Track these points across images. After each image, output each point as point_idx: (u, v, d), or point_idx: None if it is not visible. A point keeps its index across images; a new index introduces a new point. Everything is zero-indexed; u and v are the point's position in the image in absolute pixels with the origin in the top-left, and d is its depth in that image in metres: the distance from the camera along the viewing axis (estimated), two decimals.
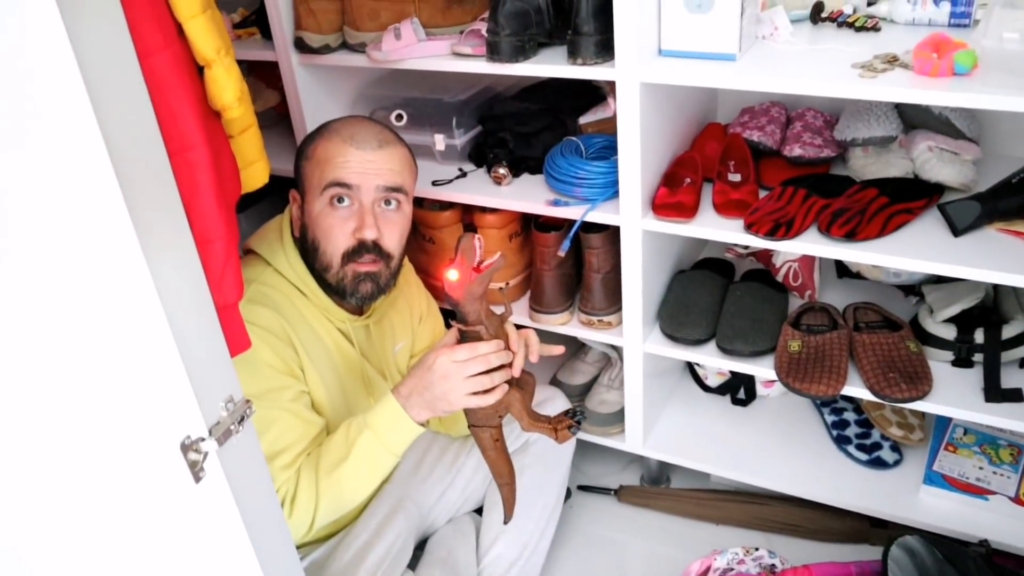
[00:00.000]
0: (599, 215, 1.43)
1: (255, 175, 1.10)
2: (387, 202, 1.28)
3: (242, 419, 0.95)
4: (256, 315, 1.21)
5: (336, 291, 1.30)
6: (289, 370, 1.24)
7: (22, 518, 0.91)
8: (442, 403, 1.19)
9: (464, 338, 1.20)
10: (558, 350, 1.29)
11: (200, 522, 0.95)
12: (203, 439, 0.89)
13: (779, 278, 1.61)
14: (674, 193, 1.38)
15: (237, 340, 0.99)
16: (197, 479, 0.90)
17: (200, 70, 0.92)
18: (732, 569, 1.38)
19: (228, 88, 0.91)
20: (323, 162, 1.26)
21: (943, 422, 1.61)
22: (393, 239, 1.30)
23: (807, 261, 1.56)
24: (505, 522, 1.37)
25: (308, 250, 1.29)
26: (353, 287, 1.28)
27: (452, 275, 1.11)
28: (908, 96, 1.13)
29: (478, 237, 1.13)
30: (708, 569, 1.38)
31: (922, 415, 1.63)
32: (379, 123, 1.31)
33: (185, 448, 0.88)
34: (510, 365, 1.21)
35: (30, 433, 0.86)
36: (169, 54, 0.84)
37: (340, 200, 1.25)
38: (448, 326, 1.58)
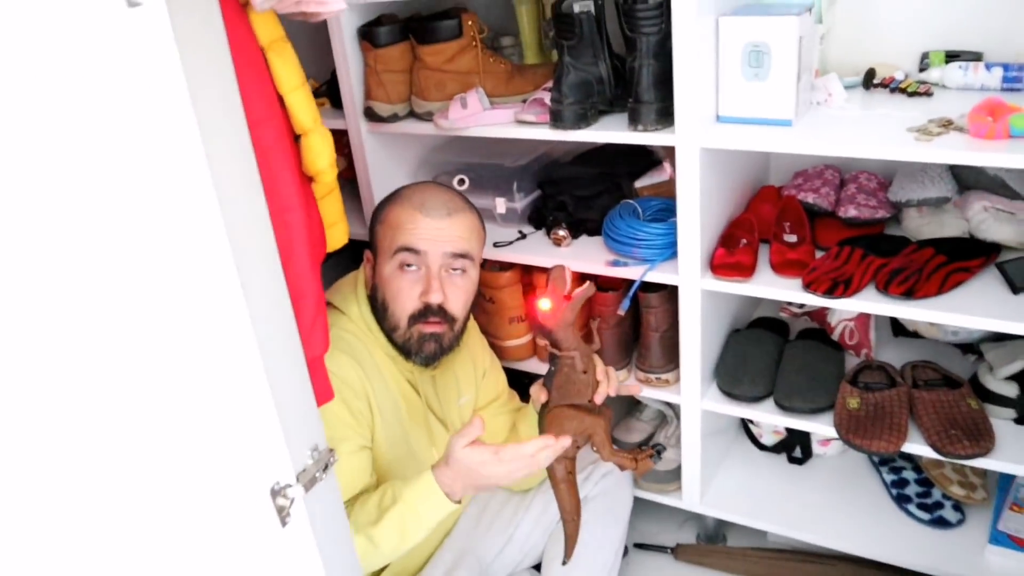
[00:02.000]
0: (658, 275, 1.47)
1: (337, 236, 1.17)
2: (454, 268, 1.34)
3: (326, 467, 0.99)
4: (336, 363, 1.26)
5: (402, 350, 1.35)
6: (358, 425, 1.29)
7: (120, 550, 0.95)
8: (490, 485, 1.24)
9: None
10: (636, 389, 1.41)
11: (285, 566, 0.99)
12: (290, 485, 0.93)
13: (835, 337, 1.63)
14: (732, 253, 1.42)
15: (322, 391, 1.04)
16: (284, 523, 0.93)
17: (296, 140, 1.00)
18: None
19: (323, 154, 0.98)
20: (395, 227, 1.32)
21: (1006, 481, 1.60)
22: (458, 303, 1.35)
23: (863, 320, 1.58)
24: (564, 562, 1.39)
25: (378, 309, 1.35)
26: (418, 346, 1.34)
27: (544, 304, 1.18)
28: (966, 159, 1.17)
29: (567, 267, 1.19)
30: None
31: (983, 474, 1.62)
32: (451, 190, 1.38)
33: (274, 493, 0.92)
34: (593, 397, 1.30)
35: (131, 475, 0.90)
36: (273, 124, 0.91)
37: (409, 264, 1.31)
38: (514, 387, 1.62)
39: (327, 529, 1.01)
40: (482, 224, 1.40)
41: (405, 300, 1.32)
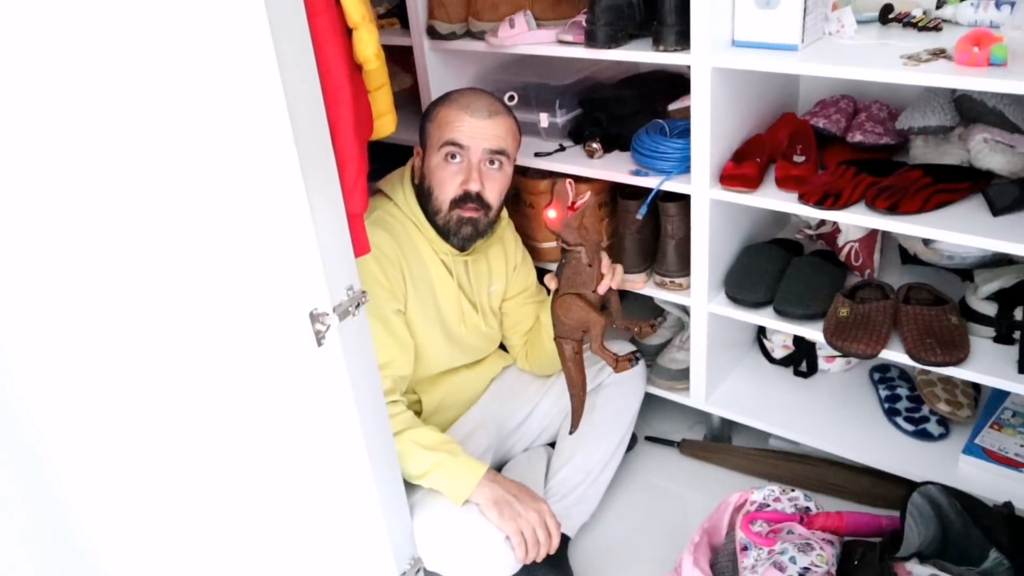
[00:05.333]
0: (673, 185, 1.63)
1: (385, 125, 1.38)
2: (491, 162, 1.55)
3: (358, 305, 1.22)
4: (375, 236, 1.49)
5: (442, 231, 1.57)
6: (391, 288, 1.51)
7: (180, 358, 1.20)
8: (507, 509, 1.44)
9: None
10: (639, 284, 1.64)
11: (320, 381, 1.22)
12: (327, 314, 1.16)
13: (841, 257, 1.76)
14: (740, 167, 1.56)
15: (359, 244, 1.27)
16: (319, 343, 1.16)
17: (349, 34, 1.21)
18: (768, 505, 1.54)
19: (370, 45, 1.19)
20: (442, 124, 1.53)
21: (994, 404, 1.71)
22: (493, 193, 1.56)
23: (867, 242, 1.71)
24: (571, 432, 1.60)
25: (424, 195, 1.57)
26: (456, 228, 1.56)
27: (551, 213, 1.42)
28: (943, 81, 1.29)
29: (569, 181, 1.40)
30: (745, 501, 1.54)
31: (974, 396, 1.74)
32: (493, 96, 1.58)
33: (313, 318, 1.15)
34: (596, 287, 1.51)
35: (200, 294, 1.15)
36: (327, 17, 1.11)
37: (453, 157, 1.52)
38: (541, 282, 1.81)
39: (356, 356, 1.24)
40: (518, 127, 1.59)
41: (448, 187, 1.54)
